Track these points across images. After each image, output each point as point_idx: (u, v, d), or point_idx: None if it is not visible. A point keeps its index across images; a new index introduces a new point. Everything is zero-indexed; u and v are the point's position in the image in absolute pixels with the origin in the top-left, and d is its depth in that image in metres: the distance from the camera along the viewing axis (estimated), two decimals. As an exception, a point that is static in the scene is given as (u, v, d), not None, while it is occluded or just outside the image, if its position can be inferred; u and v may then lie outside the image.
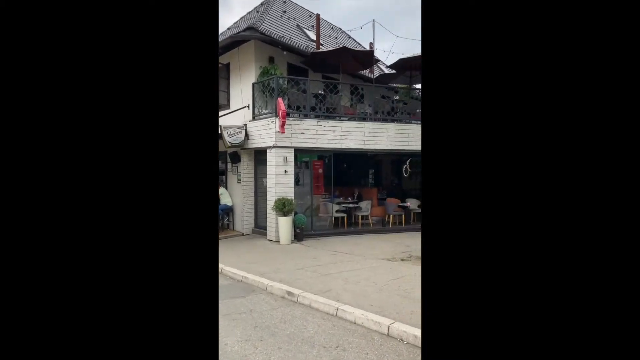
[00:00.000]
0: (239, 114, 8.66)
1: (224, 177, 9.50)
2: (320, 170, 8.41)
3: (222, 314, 3.82)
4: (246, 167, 8.74)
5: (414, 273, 5.00)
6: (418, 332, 3.07)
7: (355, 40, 14.75)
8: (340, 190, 9.68)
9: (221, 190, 8.89)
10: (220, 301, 4.18)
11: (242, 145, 8.32)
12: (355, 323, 3.51)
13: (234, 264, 5.83)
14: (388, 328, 3.24)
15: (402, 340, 3.13)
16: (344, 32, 15.11)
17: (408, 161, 12.82)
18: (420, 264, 4.82)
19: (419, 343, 3.00)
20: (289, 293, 4.34)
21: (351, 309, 3.68)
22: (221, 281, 5.17)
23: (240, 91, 8.77)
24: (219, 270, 5.67)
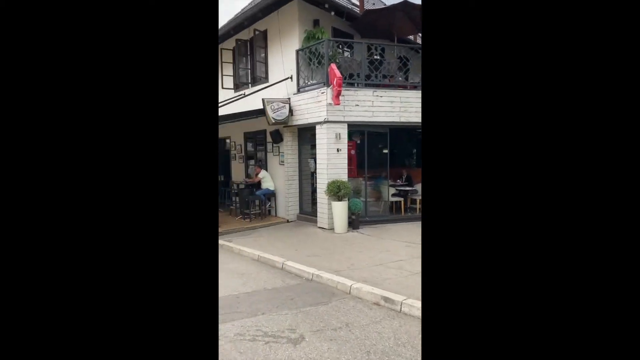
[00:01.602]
0: (281, 87, 7.67)
1: (264, 159, 8.61)
2: (371, 149, 7.37)
3: (313, 329, 2.95)
4: (289, 147, 7.80)
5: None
6: None
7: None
8: (389, 171, 8.68)
9: (263, 173, 8.02)
10: (300, 309, 3.32)
11: (285, 122, 7.37)
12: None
13: (293, 257, 4.97)
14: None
15: None
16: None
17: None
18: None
19: None
20: (386, 299, 3.44)
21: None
22: (286, 280, 4.32)
23: (282, 61, 7.75)
24: (281, 266, 4.82)
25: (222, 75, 9.29)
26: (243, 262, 5.20)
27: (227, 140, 10.36)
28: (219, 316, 3.34)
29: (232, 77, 9.37)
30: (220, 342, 2.79)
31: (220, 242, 6.33)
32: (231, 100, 8.28)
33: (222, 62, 9.27)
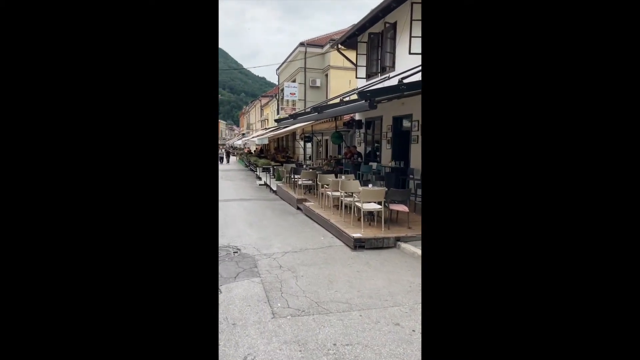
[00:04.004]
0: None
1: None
2: None
3: None
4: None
5: None
6: None
7: None
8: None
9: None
10: None
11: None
12: None
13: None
14: None
15: None
16: None
17: None
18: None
19: None
20: None
21: None
22: None
23: None
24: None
25: (410, 37, 7.52)
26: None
27: (405, 120, 8.64)
28: None
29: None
30: None
31: (417, 251, 4.68)
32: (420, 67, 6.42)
33: (412, 20, 7.49)
